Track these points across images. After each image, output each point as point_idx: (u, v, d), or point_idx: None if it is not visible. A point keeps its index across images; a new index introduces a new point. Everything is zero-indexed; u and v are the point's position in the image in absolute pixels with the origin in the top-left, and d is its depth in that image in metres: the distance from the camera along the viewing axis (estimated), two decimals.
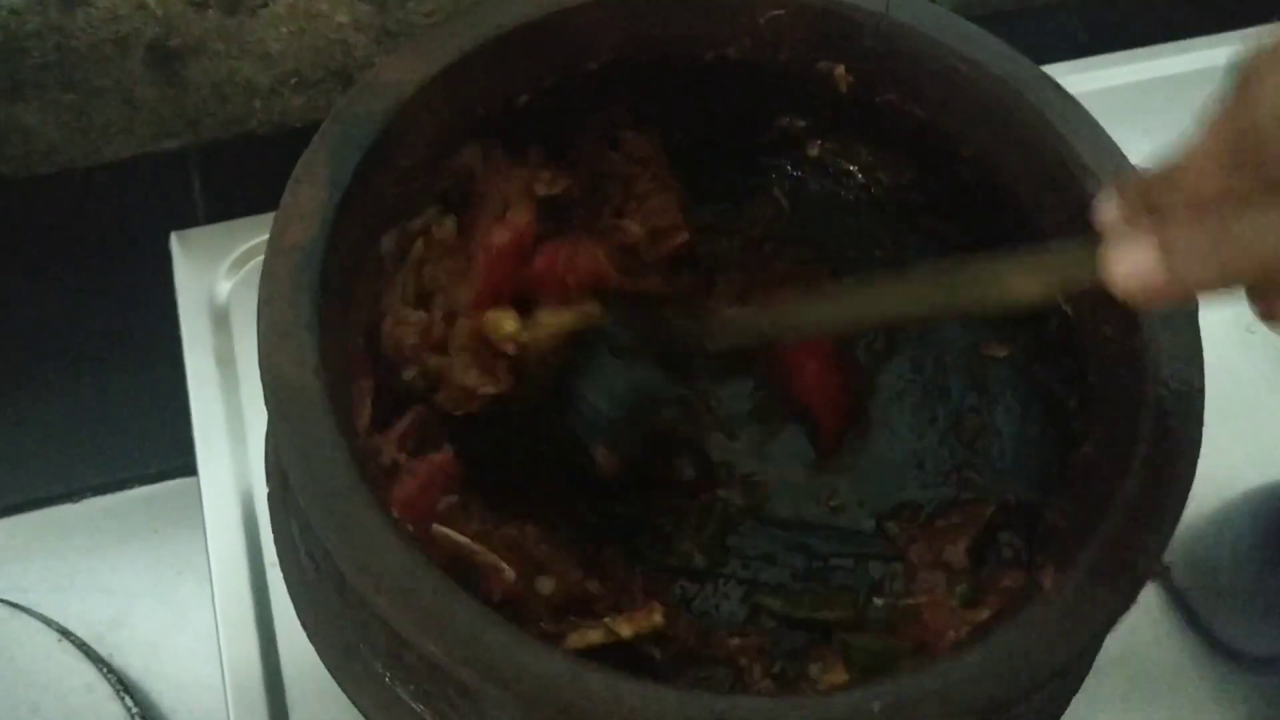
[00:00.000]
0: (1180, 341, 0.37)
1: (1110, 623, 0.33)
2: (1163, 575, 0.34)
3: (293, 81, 0.63)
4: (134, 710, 0.47)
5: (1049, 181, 0.41)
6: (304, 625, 0.39)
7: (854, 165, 0.49)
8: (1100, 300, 0.39)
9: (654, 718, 0.30)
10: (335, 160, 0.37)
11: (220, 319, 0.56)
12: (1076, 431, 0.41)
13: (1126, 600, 0.33)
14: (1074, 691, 0.40)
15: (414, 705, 0.36)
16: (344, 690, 0.38)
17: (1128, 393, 0.37)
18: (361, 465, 0.33)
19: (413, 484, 0.39)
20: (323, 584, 0.38)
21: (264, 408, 0.41)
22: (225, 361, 0.55)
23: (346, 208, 0.37)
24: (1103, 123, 0.41)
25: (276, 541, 0.41)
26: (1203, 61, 0.70)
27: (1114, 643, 0.40)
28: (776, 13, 0.43)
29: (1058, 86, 0.42)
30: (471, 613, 0.31)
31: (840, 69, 0.44)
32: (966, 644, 0.33)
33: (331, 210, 0.36)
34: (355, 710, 0.38)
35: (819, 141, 0.48)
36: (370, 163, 0.38)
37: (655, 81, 0.45)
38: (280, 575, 0.41)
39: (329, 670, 0.38)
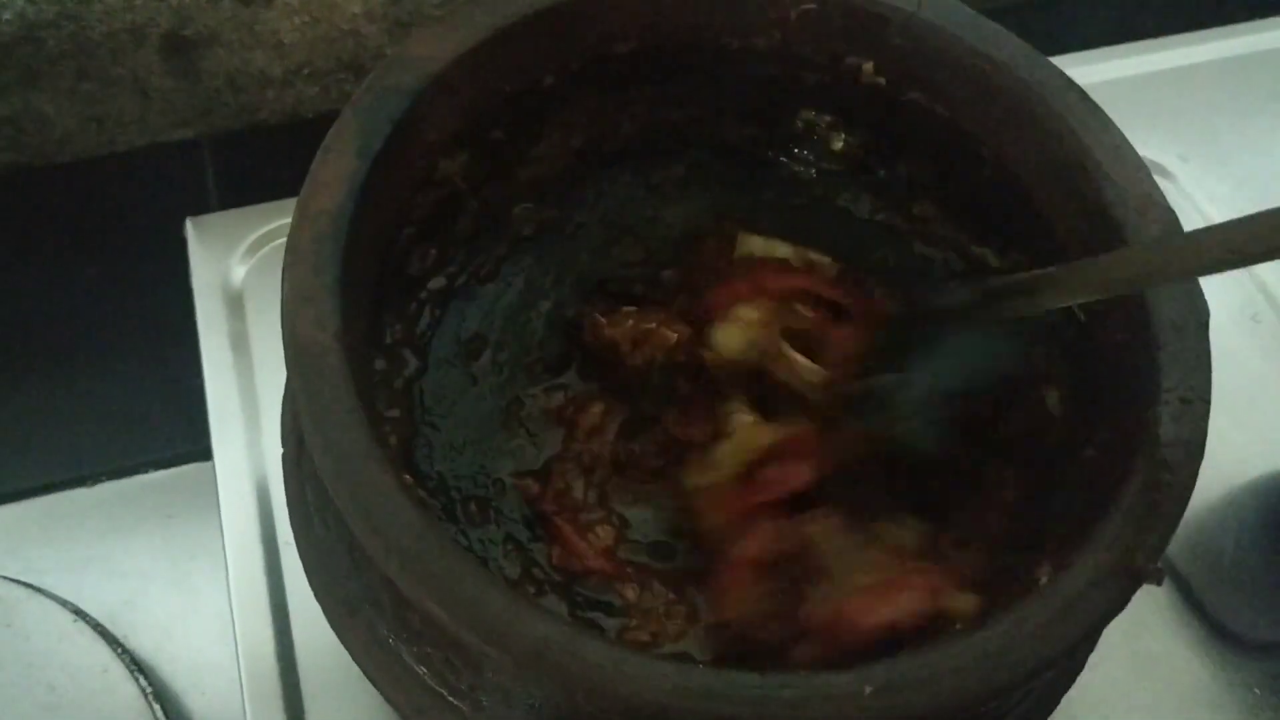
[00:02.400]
0: (1190, 349, 0.37)
1: (1101, 621, 0.34)
2: (1156, 577, 0.34)
3: (305, 72, 0.64)
4: (148, 690, 0.48)
5: (1065, 185, 0.41)
6: (312, 587, 0.39)
7: (876, 161, 0.49)
8: (1113, 306, 0.39)
9: (648, 687, 0.30)
10: (365, 131, 0.37)
11: (235, 304, 0.56)
12: (1076, 435, 0.41)
13: (1119, 601, 0.33)
14: (1067, 687, 0.41)
15: (417, 668, 0.36)
16: (349, 651, 0.38)
17: (1135, 398, 0.37)
18: (376, 428, 0.33)
19: None
20: (333, 546, 0.38)
21: (278, 390, 0.42)
22: (240, 346, 0.55)
23: (374, 178, 0.37)
24: (1114, 115, 0.41)
25: (289, 504, 0.41)
26: (1216, 53, 0.70)
27: (1118, 628, 0.40)
28: (809, 7, 0.43)
29: (1079, 90, 0.41)
30: (476, 577, 0.31)
31: (869, 65, 0.44)
32: (960, 635, 0.34)
33: (359, 179, 0.36)
34: (371, 690, 0.38)
35: (843, 136, 0.49)
36: (399, 135, 0.38)
37: (681, 69, 0.45)
38: (294, 556, 0.41)
39: (333, 629, 0.38)
